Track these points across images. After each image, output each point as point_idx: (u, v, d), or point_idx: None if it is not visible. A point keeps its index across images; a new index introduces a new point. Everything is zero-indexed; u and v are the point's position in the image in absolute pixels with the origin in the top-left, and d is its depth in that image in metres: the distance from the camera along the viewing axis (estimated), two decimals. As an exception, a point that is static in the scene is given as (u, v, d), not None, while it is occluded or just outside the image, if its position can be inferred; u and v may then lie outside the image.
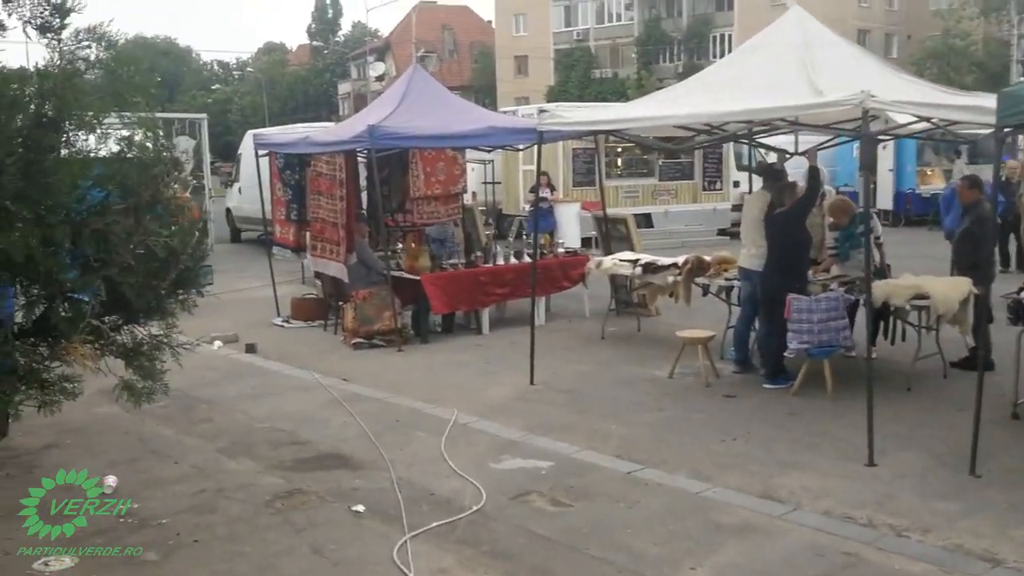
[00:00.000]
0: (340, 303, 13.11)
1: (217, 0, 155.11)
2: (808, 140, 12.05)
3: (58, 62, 5.35)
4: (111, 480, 7.07)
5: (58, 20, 5.46)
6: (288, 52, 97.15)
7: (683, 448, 7.95)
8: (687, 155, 23.24)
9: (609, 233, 14.21)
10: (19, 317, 5.99)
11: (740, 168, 24.62)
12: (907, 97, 8.12)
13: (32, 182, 5.01)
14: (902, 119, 9.11)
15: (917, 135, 10.82)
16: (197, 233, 6.07)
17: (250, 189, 20.73)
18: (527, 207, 21.44)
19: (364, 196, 15.05)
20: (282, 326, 14.16)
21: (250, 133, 21.65)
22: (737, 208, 24.26)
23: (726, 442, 8.06)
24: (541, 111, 11.06)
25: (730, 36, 63.83)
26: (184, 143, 20.30)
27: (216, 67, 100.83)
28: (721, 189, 24.82)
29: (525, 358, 10.37)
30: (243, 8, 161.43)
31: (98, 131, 5.42)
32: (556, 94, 61.19)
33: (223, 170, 38.94)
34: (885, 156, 25.60)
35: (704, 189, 24.64)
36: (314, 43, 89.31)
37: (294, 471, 7.55)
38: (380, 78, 71.57)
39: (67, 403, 6.69)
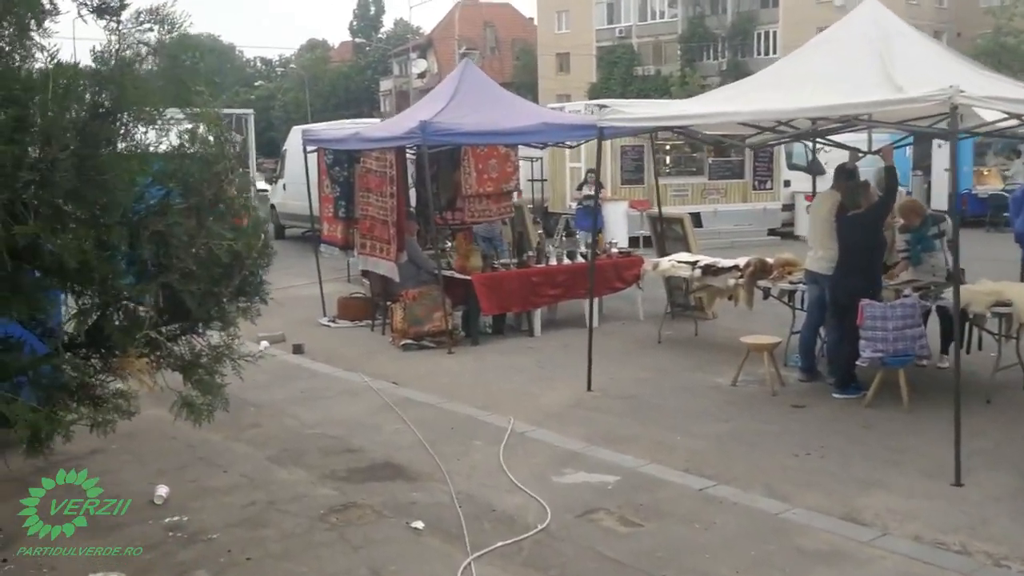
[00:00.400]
0: (388, 302, 12.80)
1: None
2: (877, 138, 11.60)
3: (116, 47, 4.93)
4: (162, 490, 6.80)
5: (117, 0, 5.04)
6: (331, 49, 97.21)
7: (755, 463, 7.55)
8: (737, 153, 22.69)
9: (664, 233, 13.82)
10: (70, 327, 5.64)
11: (791, 167, 24.11)
12: (996, 92, 7.68)
13: (87, 179, 4.59)
14: (988, 116, 8.64)
15: (997, 133, 10.31)
16: (263, 236, 5.68)
17: (295, 185, 20.47)
18: (573, 205, 21.03)
19: (411, 193, 14.75)
20: (328, 326, 13.90)
21: (296, 129, 21.40)
22: (788, 208, 23.83)
23: (800, 457, 7.65)
24: (601, 107, 10.67)
25: (775, 33, 63.26)
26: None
27: (259, 64, 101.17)
28: (771, 188, 24.20)
29: (579, 362, 10.00)
30: (286, 5, 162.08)
31: (158, 123, 5.02)
32: (598, 91, 60.66)
33: (265, 166, 38.84)
34: (941, 156, 24.89)
35: (754, 188, 24.04)
36: (356, 40, 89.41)
37: (348, 482, 7.23)
38: (422, 75, 71.51)
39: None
